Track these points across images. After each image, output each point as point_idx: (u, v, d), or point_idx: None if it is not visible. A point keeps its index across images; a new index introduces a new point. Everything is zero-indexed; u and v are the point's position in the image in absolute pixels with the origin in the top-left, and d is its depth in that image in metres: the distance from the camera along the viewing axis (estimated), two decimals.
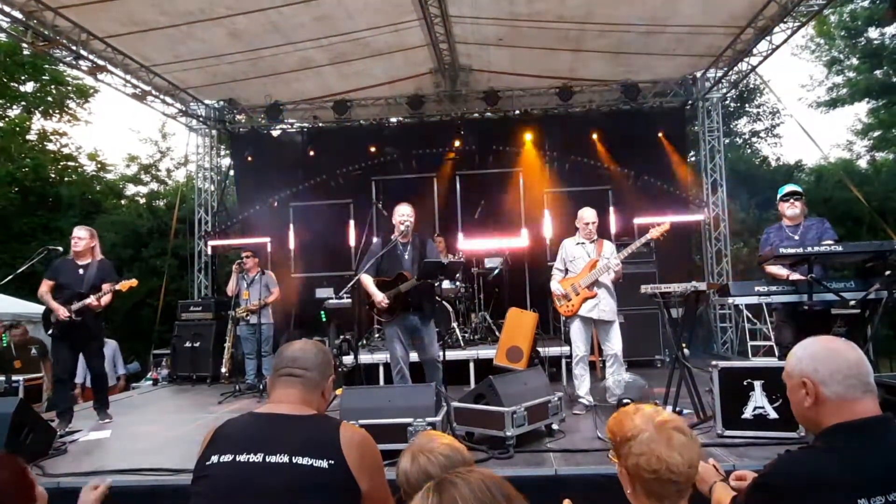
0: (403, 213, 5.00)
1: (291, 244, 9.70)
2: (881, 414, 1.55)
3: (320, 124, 10.16)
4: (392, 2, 7.02)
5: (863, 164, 18.22)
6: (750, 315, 7.43)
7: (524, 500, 1.20)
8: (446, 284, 7.24)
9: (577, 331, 5.09)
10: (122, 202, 19.15)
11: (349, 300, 6.92)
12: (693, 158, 12.61)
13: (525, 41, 8.02)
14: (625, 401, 4.70)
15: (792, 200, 4.67)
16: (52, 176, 17.46)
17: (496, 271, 7.99)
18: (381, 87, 9.52)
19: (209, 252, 10.13)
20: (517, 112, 10.00)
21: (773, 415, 3.66)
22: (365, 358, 6.46)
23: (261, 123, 10.37)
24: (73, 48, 7.25)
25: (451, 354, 6.34)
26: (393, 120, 10.46)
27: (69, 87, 17.26)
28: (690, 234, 10.06)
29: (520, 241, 8.98)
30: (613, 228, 8.73)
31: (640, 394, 4.93)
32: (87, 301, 5.03)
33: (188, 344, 8.05)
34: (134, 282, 5.44)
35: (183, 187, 14.55)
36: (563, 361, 6.47)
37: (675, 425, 1.53)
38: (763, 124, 18.88)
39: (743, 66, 8.71)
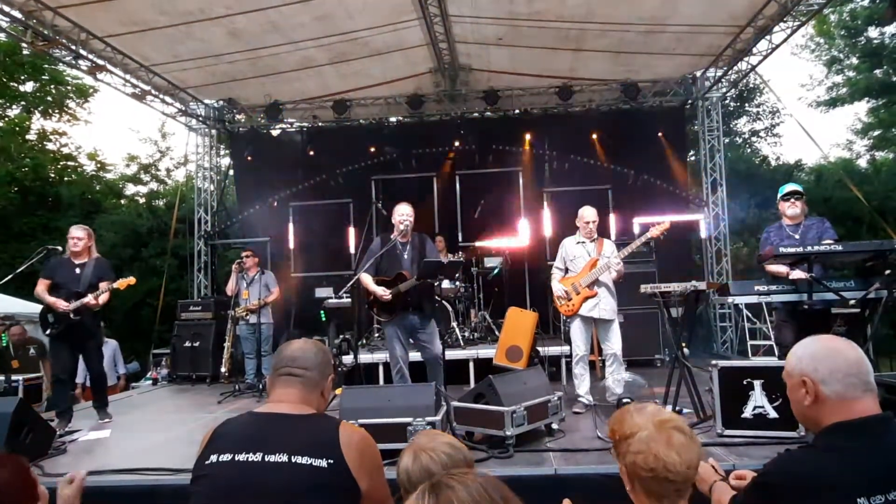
0: (403, 213, 5.00)
1: (291, 244, 9.69)
2: (881, 413, 1.55)
3: (320, 124, 10.16)
4: (392, 1, 7.01)
5: (863, 163, 18.25)
6: (750, 314, 7.43)
7: (521, 503, 1.19)
8: (446, 284, 7.24)
9: (577, 330, 5.09)
10: (122, 202, 19.16)
11: (349, 300, 6.92)
12: (693, 158, 12.61)
13: (525, 41, 8.02)
14: (624, 400, 4.70)
15: (793, 200, 4.67)
16: (52, 176, 17.46)
17: (496, 271, 7.99)
18: (380, 86, 9.51)
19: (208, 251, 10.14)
20: (517, 111, 10.00)
21: (772, 414, 3.66)
22: (364, 357, 6.45)
23: (260, 123, 10.37)
24: (73, 48, 7.24)
25: (451, 354, 6.33)
26: (393, 119, 10.46)
27: (69, 87, 17.26)
28: (690, 233, 10.06)
29: (519, 240, 8.99)
30: (613, 228, 8.72)
31: (639, 393, 4.94)
32: (85, 300, 5.03)
33: (188, 343, 8.04)
34: (132, 280, 5.44)
35: (182, 187, 14.54)
36: (563, 361, 6.46)
37: (675, 425, 1.53)
38: (763, 124, 18.88)
39: (743, 65, 8.71)
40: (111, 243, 15.14)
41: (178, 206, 11.05)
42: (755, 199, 13.81)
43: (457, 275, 7.15)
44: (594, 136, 9.59)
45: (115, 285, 5.21)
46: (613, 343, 5.02)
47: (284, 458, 1.63)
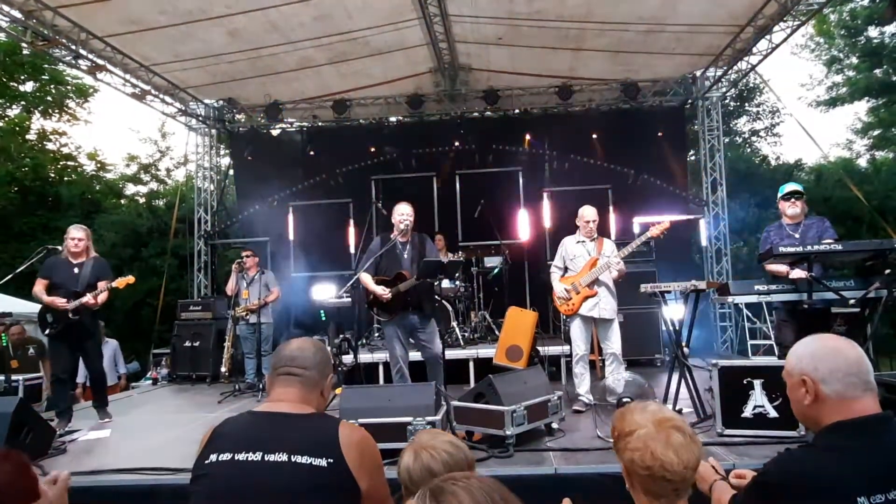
0: (403, 213, 5.00)
1: (291, 243, 9.69)
2: (881, 412, 1.55)
3: (320, 123, 10.16)
4: (391, 1, 7.01)
5: (862, 162, 18.25)
6: (750, 314, 7.43)
7: None
8: (446, 283, 7.24)
9: (577, 329, 5.09)
10: (122, 202, 19.17)
11: (349, 299, 6.92)
12: (693, 157, 12.62)
13: (525, 40, 8.02)
14: (624, 400, 4.69)
15: (793, 200, 4.67)
16: (52, 175, 17.48)
17: (496, 270, 8.00)
18: (380, 86, 9.52)
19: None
20: (517, 111, 10.01)
21: (772, 413, 3.66)
22: (364, 357, 6.45)
23: (260, 123, 10.37)
24: (73, 47, 7.25)
25: (451, 353, 6.33)
26: (392, 119, 10.47)
27: (69, 87, 17.27)
28: (690, 232, 10.06)
29: (519, 240, 8.99)
30: (613, 227, 8.72)
31: (639, 392, 4.93)
32: (84, 300, 5.02)
33: (188, 343, 8.04)
34: (131, 279, 5.44)
35: (182, 187, 14.55)
36: (563, 360, 6.46)
37: (674, 424, 1.53)
38: (763, 123, 18.90)
39: (742, 64, 8.71)
40: (111, 243, 15.14)
41: (178, 205, 11.06)
42: (755, 198, 13.83)
43: (457, 274, 7.15)
44: (594, 136, 9.58)
45: (113, 284, 5.21)
46: (613, 342, 5.02)
47: (284, 457, 1.63)
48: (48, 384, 6.95)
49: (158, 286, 10.62)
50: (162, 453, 4.03)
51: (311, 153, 10.25)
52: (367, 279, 4.92)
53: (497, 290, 8.25)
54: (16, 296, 9.48)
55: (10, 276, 5.27)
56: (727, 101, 16.00)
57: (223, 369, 7.66)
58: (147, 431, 5.01)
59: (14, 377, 6.54)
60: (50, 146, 17.69)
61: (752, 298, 4.32)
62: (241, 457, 1.65)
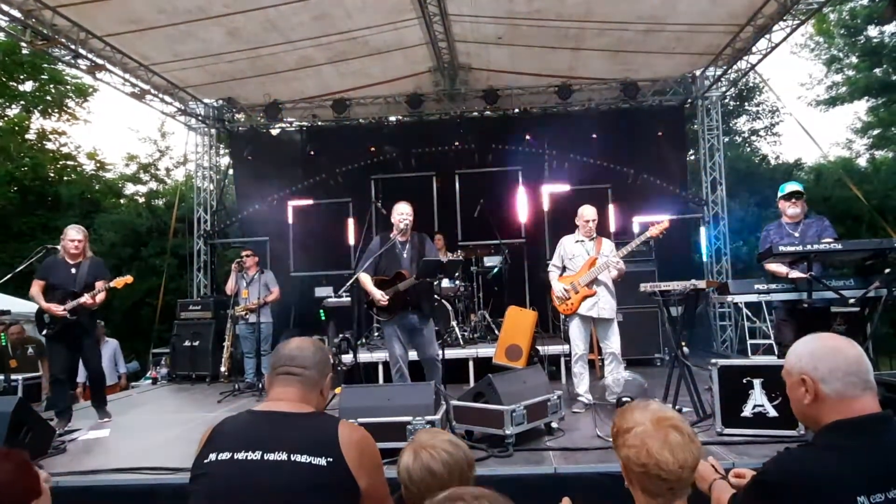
0: (402, 212, 4.99)
1: (290, 243, 9.69)
2: (881, 411, 1.54)
3: (319, 123, 10.16)
4: (391, 0, 7.01)
5: (862, 162, 18.24)
6: (749, 313, 7.42)
7: None
8: (445, 283, 7.24)
9: (575, 329, 5.09)
10: (122, 201, 19.13)
11: (348, 299, 6.92)
12: (692, 157, 12.62)
13: (524, 40, 8.02)
14: (624, 399, 4.70)
15: (794, 200, 4.67)
16: (52, 175, 17.45)
17: (495, 270, 8.00)
18: (380, 85, 9.51)
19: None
20: (516, 110, 10.01)
21: (772, 413, 3.65)
22: (364, 357, 6.45)
23: (260, 122, 10.37)
24: (72, 47, 7.24)
25: (451, 353, 6.34)
26: (392, 119, 10.47)
27: (68, 87, 17.24)
28: (690, 232, 10.06)
29: (519, 239, 8.99)
30: (613, 227, 8.72)
31: (639, 392, 4.93)
32: (82, 300, 5.02)
33: (187, 343, 8.04)
34: (129, 279, 5.44)
35: (182, 186, 14.53)
36: (563, 360, 6.46)
37: (673, 423, 1.52)
38: (762, 122, 18.89)
39: (742, 64, 8.72)
40: (111, 243, 15.14)
41: (177, 205, 11.06)
42: (755, 198, 13.83)
43: (456, 274, 7.14)
44: (593, 136, 9.57)
45: (111, 284, 5.21)
46: (613, 342, 5.02)
47: (284, 456, 1.63)
48: (47, 384, 6.96)
49: (158, 286, 10.62)
50: (161, 453, 4.03)
51: (311, 153, 10.25)
52: (365, 280, 4.91)
53: (496, 290, 8.25)
54: (15, 295, 9.47)
55: (9, 276, 5.26)
56: (727, 100, 16.00)
57: (223, 369, 7.67)
58: (146, 431, 5.01)
59: (13, 376, 6.54)
60: (49, 146, 17.68)
61: (752, 298, 4.32)
62: (240, 456, 1.65)
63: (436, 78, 9.40)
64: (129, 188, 20.11)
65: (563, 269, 5.22)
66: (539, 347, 6.43)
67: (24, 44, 8.70)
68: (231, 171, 11.24)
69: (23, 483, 1.55)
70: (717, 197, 9.63)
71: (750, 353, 7.06)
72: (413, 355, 5.12)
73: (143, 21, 7.07)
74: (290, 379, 1.84)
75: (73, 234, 5.19)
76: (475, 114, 10.09)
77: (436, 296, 6.35)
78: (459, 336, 7.17)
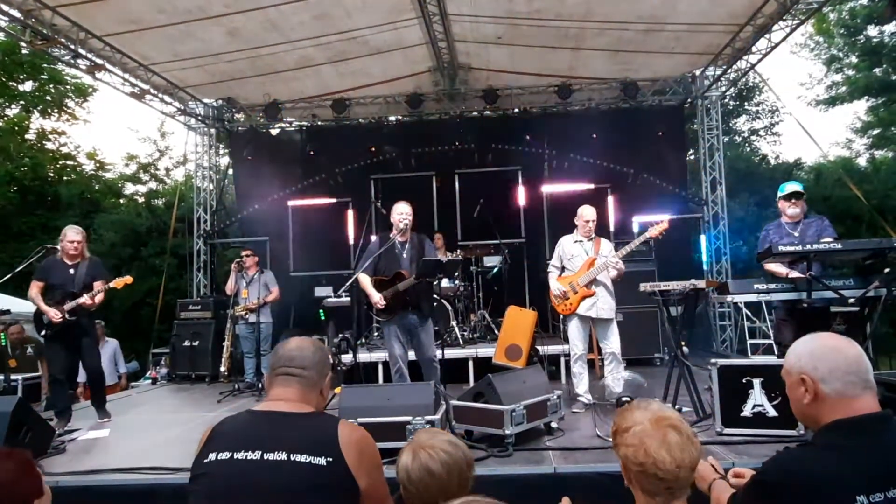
0: (402, 212, 4.99)
1: (290, 243, 9.69)
2: (881, 411, 1.54)
3: (319, 123, 10.16)
4: (391, 0, 7.01)
5: (862, 162, 18.24)
6: (749, 313, 7.42)
7: None
8: (445, 283, 7.24)
9: (574, 329, 5.09)
10: (121, 201, 19.12)
11: (348, 299, 6.92)
12: (692, 157, 12.61)
13: (524, 39, 8.01)
14: (624, 399, 4.70)
15: (794, 200, 4.67)
16: (51, 175, 17.44)
17: (495, 270, 8.00)
18: (379, 85, 9.51)
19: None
20: (516, 110, 10.01)
21: (772, 412, 3.65)
22: (364, 356, 6.45)
23: (259, 122, 10.36)
24: (72, 47, 7.24)
25: (450, 353, 6.33)
26: (392, 118, 10.47)
27: (68, 86, 17.24)
28: (690, 232, 10.06)
29: (519, 239, 8.98)
30: (613, 226, 8.72)
31: (638, 392, 4.94)
32: (81, 300, 5.02)
33: (187, 343, 8.04)
34: (128, 279, 5.43)
35: (182, 186, 14.52)
36: (563, 360, 6.46)
37: (672, 423, 1.52)
38: (762, 122, 18.88)
39: (742, 64, 8.71)
40: (110, 242, 15.13)
41: (177, 205, 11.05)
42: (754, 197, 13.82)
43: (456, 273, 7.15)
44: (593, 135, 9.56)
45: (111, 285, 5.21)
46: (612, 342, 5.02)
47: (283, 456, 1.63)
48: (47, 384, 6.95)
49: (158, 286, 10.61)
50: (161, 453, 4.03)
51: (311, 152, 10.25)
52: (365, 281, 4.90)
53: (496, 290, 8.25)
54: (15, 295, 9.47)
55: (8, 276, 5.26)
56: (726, 100, 16.00)
57: (222, 369, 7.67)
58: (146, 431, 5.01)
59: (13, 376, 6.54)
60: (49, 146, 17.67)
61: (752, 297, 4.32)
62: (240, 456, 1.65)
63: (435, 78, 9.39)
64: (129, 188, 20.12)
65: (562, 269, 5.22)
66: (539, 347, 6.43)
67: (23, 44, 8.71)
68: (231, 171, 11.23)
69: (25, 482, 1.55)
70: (716, 197, 9.63)
71: (750, 353, 7.05)
72: (412, 355, 5.12)
73: (143, 21, 7.07)
74: (290, 379, 1.84)
75: (72, 235, 5.19)
76: (475, 113, 10.08)
77: (435, 296, 6.35)
78: (459, 336, 7.17)
